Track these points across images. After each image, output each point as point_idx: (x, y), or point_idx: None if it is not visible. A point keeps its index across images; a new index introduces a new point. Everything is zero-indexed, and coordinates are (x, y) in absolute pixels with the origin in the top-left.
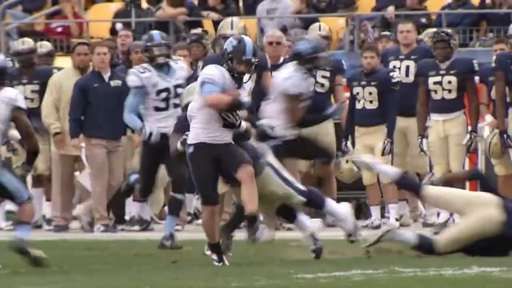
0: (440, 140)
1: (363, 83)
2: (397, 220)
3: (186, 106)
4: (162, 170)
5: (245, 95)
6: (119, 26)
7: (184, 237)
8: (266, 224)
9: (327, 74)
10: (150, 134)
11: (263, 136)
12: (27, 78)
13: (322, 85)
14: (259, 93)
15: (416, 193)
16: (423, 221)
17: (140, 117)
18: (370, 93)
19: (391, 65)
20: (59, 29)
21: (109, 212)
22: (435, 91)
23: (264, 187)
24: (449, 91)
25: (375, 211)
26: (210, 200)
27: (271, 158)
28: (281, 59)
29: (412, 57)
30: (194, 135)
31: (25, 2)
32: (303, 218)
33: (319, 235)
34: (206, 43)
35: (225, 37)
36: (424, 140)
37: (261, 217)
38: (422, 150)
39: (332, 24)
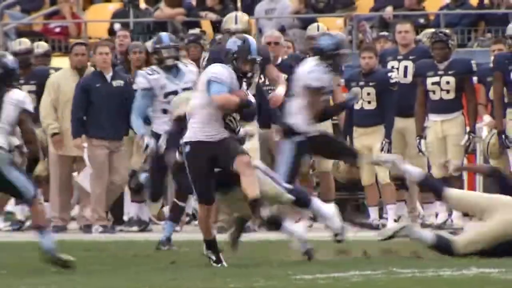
0: (438, 140)
1: (361, 83)
2: (395, 221)
3: (177, 118)
4: None
5: (251, 96)
6: (117, 26)
7: (182, 238)
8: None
9: None
10: (147, 146)
11: (287, 132)
12: (24, 79)
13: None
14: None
15: (438, 195)
16: (422, 221)
17: (148, 119)
18: (368, 94)
19: (389, 66)
20: (57, 30)
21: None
22: (433, 92)
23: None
24: (447, 91)
25: (373, 211)
26: (206, 199)
27: (257, 161)
28: (280, 59)
29: (410, 57)
30: (192, 134)
31: (23, 2)
32: (288, 224)
33: (305, 237)
34: (204, 44)
35: (229, 32)
36: (422, 141)
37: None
38: (420, 150)
39: (330, 24)
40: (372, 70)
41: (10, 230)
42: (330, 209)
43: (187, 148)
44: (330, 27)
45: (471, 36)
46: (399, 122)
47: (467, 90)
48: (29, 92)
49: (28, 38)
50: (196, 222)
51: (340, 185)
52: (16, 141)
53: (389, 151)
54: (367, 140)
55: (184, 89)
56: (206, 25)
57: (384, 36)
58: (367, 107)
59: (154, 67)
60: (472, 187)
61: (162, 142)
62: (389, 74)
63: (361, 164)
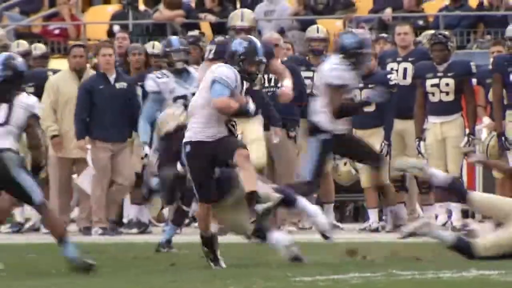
0: (438, 142)
1: (361, 85)
2: None
3: (165, 136)
4: None
5: (251, 103)
6: (116, 28)
7: (182, 240)
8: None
9: None
10: (146, 155)
11: (312, 130)
12: None
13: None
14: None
15: (463, 198)
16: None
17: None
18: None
19: (388, 67)
20: (57, 31)
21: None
22: (433, 94)
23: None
24: (447, 93)
25: (373, 214)
26: (207, 198)
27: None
28: (279, 61)
29: (410, 59)
30: (192, 134)
31: (22, 4)
32: (272, 233)
33: (289, 242)
34: (203, 46)
35: (235, 29)
36: (422, 143)
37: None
38: (419, 152)
39: (329, 26)
40: (371, 72)
41: (10, 232)
42: (315, 208)
43: (188, 148)
44: (329, 29)
45: (470, 38)
46: (399, 124)
47: (466, 92)
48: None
49: (27, 40)
50: (196, 224)
51: (340, 187)
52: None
53: (388, 153)
54: None
55: (194, 94)
56: (205, 27)
57: (383, 37)
58: (366, 109)
59: (164, 70)
60: (471, 188)
61: (147, 161)
62: (388, 76)
63: (334, 167)
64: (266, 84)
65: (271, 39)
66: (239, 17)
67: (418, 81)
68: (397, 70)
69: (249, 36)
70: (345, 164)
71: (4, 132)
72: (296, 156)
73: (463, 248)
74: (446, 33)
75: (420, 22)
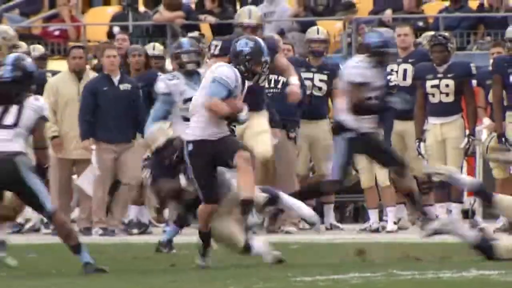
0: (438, 143)
1: None
2: (395, 223)
3: (156, 152)
4: None
5: (245, 111)
6: (116, 29)
7: (182, 240)
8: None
9: (325, 77)
10: (148, 156)
11: (337, 128)
12: None
13: (320, 88)
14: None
15: (488, 200)
16: (421, 224)
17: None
18: None
19: (388, 69)
20: (56, 33)
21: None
22: (433, 95)
23: (234, 198)
24: (447, 94)
25: (373, 214)
26: (211, 199)
27: (227, 174)
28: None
29: (410, 60)
30: (194, 132)
31: (22, 5)
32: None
33: (267, 249)
34: (203, 47)
35: (242, 26)
36: (422, 144)
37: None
38: (419, 153)
39: (329, 27)
40: None
41: (10, 233)
42: (296, 200)
43: (190, 147)
44: (329, 30)
45: (470, 39)
46: (399, 125)
47: (466, 93)
48: None
49: (27, 41)
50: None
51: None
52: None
53: None
54: None
55: None
56: (205, 28)
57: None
58: None
59: (175, 72)
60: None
61: (146, 176)
62: (388, 77)
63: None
64: (267, 85)
65: None
66: (247, 14)
67: (418, 82)
68: (397, 71)
69: (253, 36)
70: None
71: (14, 134)
72: (296, 157)
73: (485, 249)
74: (446, 34)
75: (420, 24)
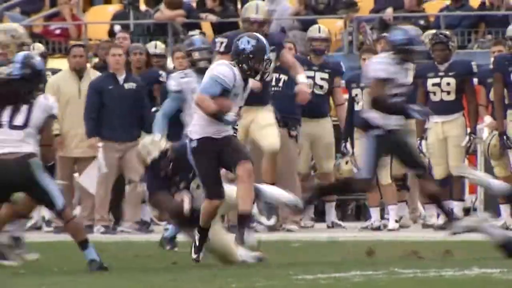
0: (439, 141)
1: (362, 85)
2: (396, 221)
3: (151, 165)
4: None
5: (232, 114)
6: (117, 28)
7: (183, 238)
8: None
9: (326, 76)
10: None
11: (365, 126)
12: None
13: (321, 87)
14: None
15: None
16: (423, 222)
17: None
18: None
19: None
20: (58, 31)
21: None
22: (434, 93)
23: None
24: (448, 92)
25: (374, 212)
26: (215, 194)
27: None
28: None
29: None
30: (199, 129)
31: (23, 4)
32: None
33: (250, 254)
34: None
35: (249, 21)
36: (423, 142)
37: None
38: (421, 152)
39: (330, 25)
40: None
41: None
42: (275, 188)
43: (194, 144)
44: (330, 28)
45: (471, 37)
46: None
47: (467, 91)
48: None
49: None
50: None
51: None
52: None
53: None
54: None
55: None
56: (206, 27)
57: (385, 36)
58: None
59: (187, 70)
60: (473, 189)
61: (144, 190)
62: None
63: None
64: None
65: None
66: (254, 9)
67: (419, 80)
68: None
69: (255, 34)
70: (346, 163)
71: (24, 135)
72: (298, 155)
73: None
74: (447, 32)
75: (421, 22)
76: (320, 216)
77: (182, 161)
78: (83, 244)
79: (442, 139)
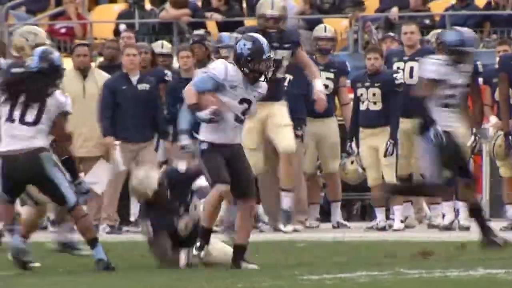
0: None
1: (367, 84)
2: (402, 221)
3: (153, 201)
4: None
5: (209, 112)
6: (122, 27)
7: None
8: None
9: (331, 75)
10: (184, 146)
11: (422, 127)
12: None
13: (326, 86)
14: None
15: None
16: (428, 222)
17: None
18: (374, 95)
19: (395, 67)
20: (63, 30)
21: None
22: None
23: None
24: None
25: (380, 212)
26: (222, 179)
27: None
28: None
29: (416, 58)
30: (207, 134)
31: (29, 3)
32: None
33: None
34: (209, 44)
35: (264, 17)
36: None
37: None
38: None
39: (335, 25)
40: (378, 71)
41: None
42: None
43: (204, 146)
44: (335, 28)
45: (476, 37)
46: (406, 123)
47: (472, 91)
48: None
49: None
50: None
51: (347, 186)
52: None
53: (393, 152)
54: (373, 141)
55: None
56: (212, 26)
57: (391, 36)
58: (372, 108)
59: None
60: (478, 189)
61: (148, 229)
62: (395, 75)
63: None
64: None
65: None
66: (270, 4)
67: None
68: (403, 69)
69: (252, 35)
70: (352, 163)
71: (36, 131)
72: (303, 155)
73: None
74: None
75: (427, 21)
76: (325, 216)
77: (176, 184)
78: (93, 242)
79: None
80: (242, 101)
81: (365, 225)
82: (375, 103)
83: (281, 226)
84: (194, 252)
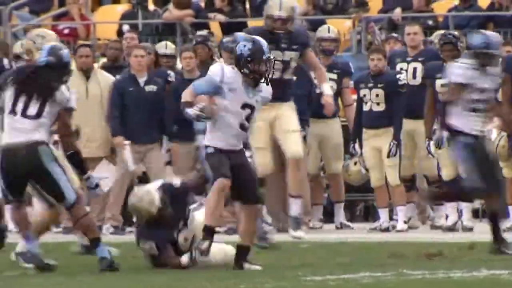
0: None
1: (370, 85)
2: (405, 222)
3: (152, 221)
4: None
5: (197, 110)
6: (125, 28)
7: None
8: None
9: (335, 76)
10: (198, 147)
11: (451, 134)
12: None
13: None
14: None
15: None
16: (431, 223)
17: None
18: (377, 95)
19: (398, 67)
20: (66, 31)
21: None
22: (442, 94)
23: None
24: None
25: (383, 213)
26: (222, 173)
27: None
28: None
29: (419, 59)
30: (213, 140)
31: (32, 3)
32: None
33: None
34: (212, 45)
35: (272, 18)
36: (432, 143)
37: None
38: (429, 152)
39: (339, 26)
40: (381, 72)
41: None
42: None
43: (210, 150)
44: (338, 28)
45: (501, 39)
46: (409, 124)
47: None
48: None
49: None
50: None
51: (350, 187)
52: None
53: (397, 153)
54: (376, 142)
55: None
56: (215, 27)
57: (394, 36)
58: (375, 108)
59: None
60: None
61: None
62: (398, 76)
63: (344, 167)
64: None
65: None
66: (277, 5)
67: (428, 81)
68: (406, 70)
69: (252, 36)
70: (355, 163)
71: (37, 125)
72: (306, 155)
73: None
74: (456, 33)
75: (430, 22)
76: (328, 217)
77: (175, 199)
78: (95, 242)
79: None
80: (244, 106)
81: (368, 226)
82: (378, 104)
83: (291, 232)
84: (199, 244)
